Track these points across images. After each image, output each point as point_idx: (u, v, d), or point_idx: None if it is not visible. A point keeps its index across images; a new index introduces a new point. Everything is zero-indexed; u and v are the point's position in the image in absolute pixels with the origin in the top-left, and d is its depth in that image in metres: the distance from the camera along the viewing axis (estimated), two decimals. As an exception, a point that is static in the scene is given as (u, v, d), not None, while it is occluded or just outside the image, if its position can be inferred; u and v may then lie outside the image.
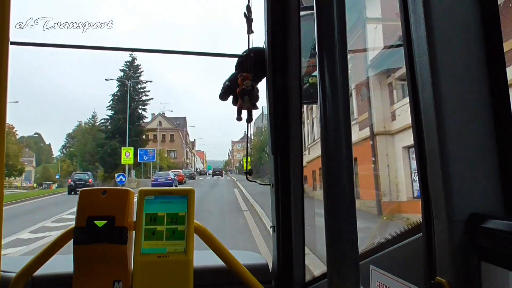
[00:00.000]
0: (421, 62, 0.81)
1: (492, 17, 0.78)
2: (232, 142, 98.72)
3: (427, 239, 0.84)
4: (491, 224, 0.71)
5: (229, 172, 79.72)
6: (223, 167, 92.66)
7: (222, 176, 58.92)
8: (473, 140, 0.78)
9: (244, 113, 1.73)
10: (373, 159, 9.67)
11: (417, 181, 0.88)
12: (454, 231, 0.75)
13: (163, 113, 70.51)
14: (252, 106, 1.70)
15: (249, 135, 1.84)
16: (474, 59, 0.79)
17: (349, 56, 0.74)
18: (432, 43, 0.77)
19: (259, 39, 1.78)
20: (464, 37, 0.79)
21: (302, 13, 1.69)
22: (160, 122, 68.67)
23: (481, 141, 0.78)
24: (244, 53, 1.76)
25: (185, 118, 78.85)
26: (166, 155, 61.82)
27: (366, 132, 9.85)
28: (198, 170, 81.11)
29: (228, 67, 1.81)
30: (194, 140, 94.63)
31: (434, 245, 0.81)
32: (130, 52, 43.41)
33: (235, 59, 1.80)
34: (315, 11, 0.76)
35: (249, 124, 1.77)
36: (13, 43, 1.11)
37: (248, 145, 2.43)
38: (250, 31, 1.72)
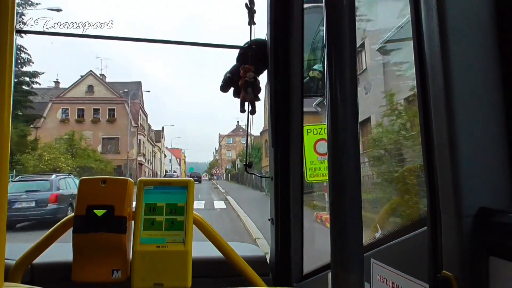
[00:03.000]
0: (432, 53, 0.80)
1: (507, 8, 0.77)
2: (220, 136, 74.75)
3: (432, 233, 0.83)
4: (501, 218, 0.71)
5: (215, 178, 57.37)
6: (207, 169, 76.04)
7: (200, 182, 46.83)
8: (484, 133, 0.77)
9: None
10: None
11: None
12: (463, 226, 0.75)
13: (101, 75, 42.33)
14: (255, 97, 1.69)
15: (250, 127, 1.82)
16: (487, 50, 0.78)
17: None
18: (445, 34, 0.77)
19: (260, 31, 1.77)
20: (477, 28, 0.78)
21: (305, 5, 1.68)
22: (91, 87, 40.85)
23: (492, 134, 0.78)
24: (246, 45, 1.75)
25: (139, 83, 47.37)
26: (100, 147, 37.64)
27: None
28: (167, 173, 62.25)
29: (216, 59, 1.77)
30: (163, 128, 64.12)
31: (440, 239, 0.81)
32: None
33: (222, 51, 1.79)
34: (324, 2, 0.75)
35: (251, 117, 1.77)
36: (18, 31, 1.09)
37: (248, 138, 2.41)
38: (252, 22, 1.71)
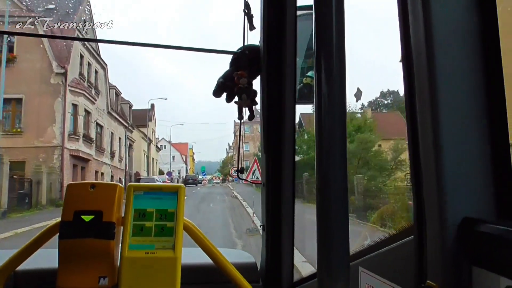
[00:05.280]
0: (419, 63, 0.81)
1: (491, 19, 0.78)
2: (235, 123, 53.79)
3: (418, 242, 0.84)
4: (484, 228, 0.71)
5: (230, 180, 40.87)
6: (219, 169, 65.38)
7: (196, 185, 39.30)
8: (468, 144, 0.78)
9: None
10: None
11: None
12: (447, 235, 0.76)
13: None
14: (251, 102, 1.70)
15: (243, 133, 1.83)
16: (472, 61, 0.79)
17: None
18: (431, 44, 0.77)
19: (254, 37, 1.77)
20: (463, 38, 0.79)
21: (299, 12, 1.68)
22: None
23: (476, 145, 0.78)
24: (239, 50, 1.76)
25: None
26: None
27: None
28: (140, 178, 33.03)
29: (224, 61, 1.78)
30: (152, 106, 43.36)
31: (425, 248, 0.81)
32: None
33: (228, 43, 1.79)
34: (313, 9, 0.75)
35: (244, 124, 1.77)
36: (2, 32, 1.09)
37: (241, 143, 2.40)
38: (252, 27, 1.72)
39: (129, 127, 34.85)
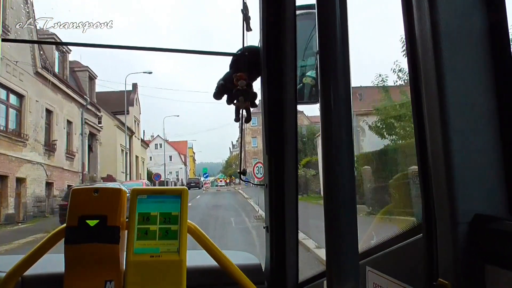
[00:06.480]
0: (425, 60, 0.80)
1: (499, 14, 0.78)
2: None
3: (428, 241, 0.83)
4: (496, 225, 0.71)
5: (237, 182, 37.51)
6: (223, 170, 62.28)
7: (199, 188, 37.51)
8: (478, 140, 0.77)
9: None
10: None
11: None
12: (458, 233, 0.75)
13: None
14: (250, 104, 1.69)
15: (244, 134, 1.83)
16: (480, 57, 0.79)
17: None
18: (438, 40, 0.77)
19: (254, 38, 1.77)
20: (470, 35, 0.79)
21: (298, 12, 1.68)
22: None
23: (486, 141, 0.78)
24: (239, 52, 1.75)
25: None
26: None
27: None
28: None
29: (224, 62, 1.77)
30: (134, 86, 33.10)
31: (436, 246, 0.81)
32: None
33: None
34: (316, 8, 0.75)
35: (245, 125, 1.77)
36: (4, 40, 1.09)
37: (243, 141, 2.39)
38: (248, 28, 1.71)
39: (88, 106, 22.55)
